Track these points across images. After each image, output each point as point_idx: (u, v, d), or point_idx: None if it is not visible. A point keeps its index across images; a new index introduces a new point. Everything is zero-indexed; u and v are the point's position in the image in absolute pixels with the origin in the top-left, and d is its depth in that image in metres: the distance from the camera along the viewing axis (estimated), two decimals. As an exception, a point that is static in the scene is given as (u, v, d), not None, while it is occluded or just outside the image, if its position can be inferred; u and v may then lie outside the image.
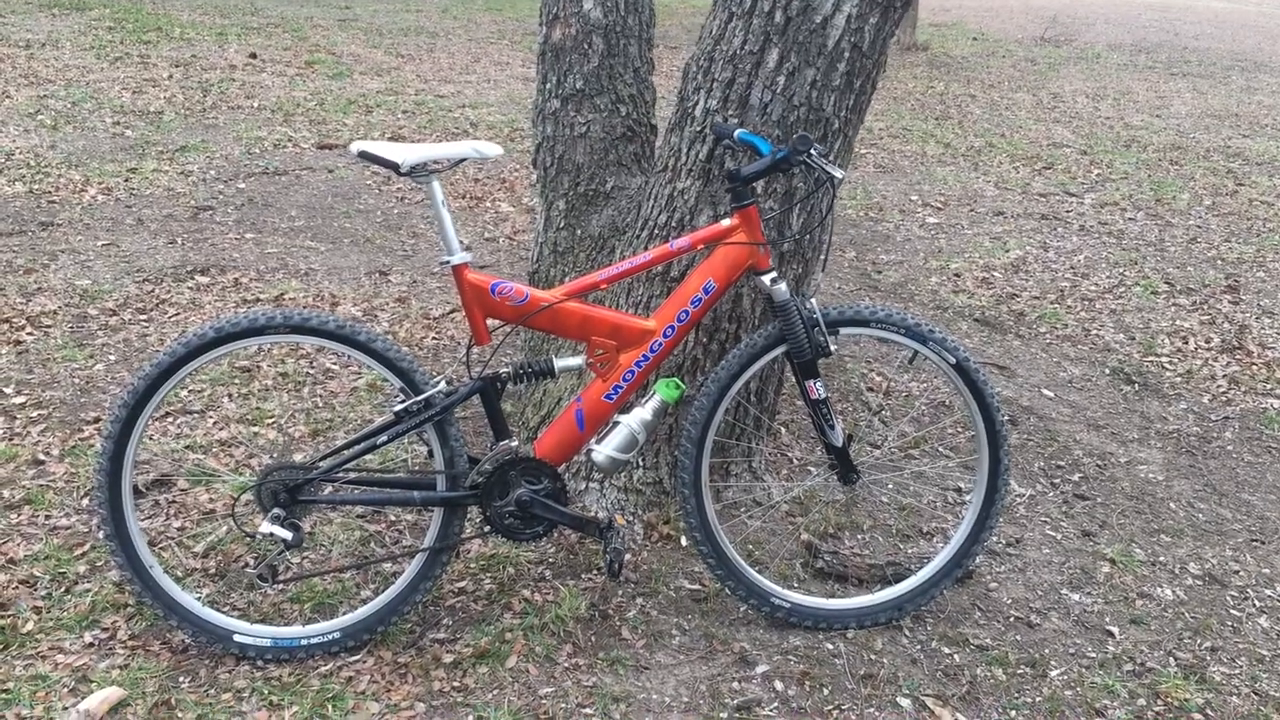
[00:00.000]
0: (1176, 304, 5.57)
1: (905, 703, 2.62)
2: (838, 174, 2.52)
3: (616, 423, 2.69)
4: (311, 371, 4.07)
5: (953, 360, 2.75)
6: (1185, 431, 4.14)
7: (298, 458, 3.40)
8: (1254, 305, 5.59)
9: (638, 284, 3.20)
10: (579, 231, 3.49)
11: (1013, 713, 2.61)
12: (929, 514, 3.39)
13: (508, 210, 6.52)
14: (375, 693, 2.56)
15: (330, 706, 2.50)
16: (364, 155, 2.52)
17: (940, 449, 3.79)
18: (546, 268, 3.57)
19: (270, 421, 3.66)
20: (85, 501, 3.20)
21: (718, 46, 3.01)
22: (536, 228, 3.65)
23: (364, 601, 2.78)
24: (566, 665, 2.69)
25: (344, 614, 2.72)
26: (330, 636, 2.65)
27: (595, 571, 3.03)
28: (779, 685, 2.66)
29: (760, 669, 2.71)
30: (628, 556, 3.09)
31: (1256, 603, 3.09)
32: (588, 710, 2.55)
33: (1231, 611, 3.04)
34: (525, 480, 2.66)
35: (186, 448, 3.48)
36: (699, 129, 3.05)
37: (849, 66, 2.96)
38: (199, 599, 2.70)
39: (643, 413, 2.69)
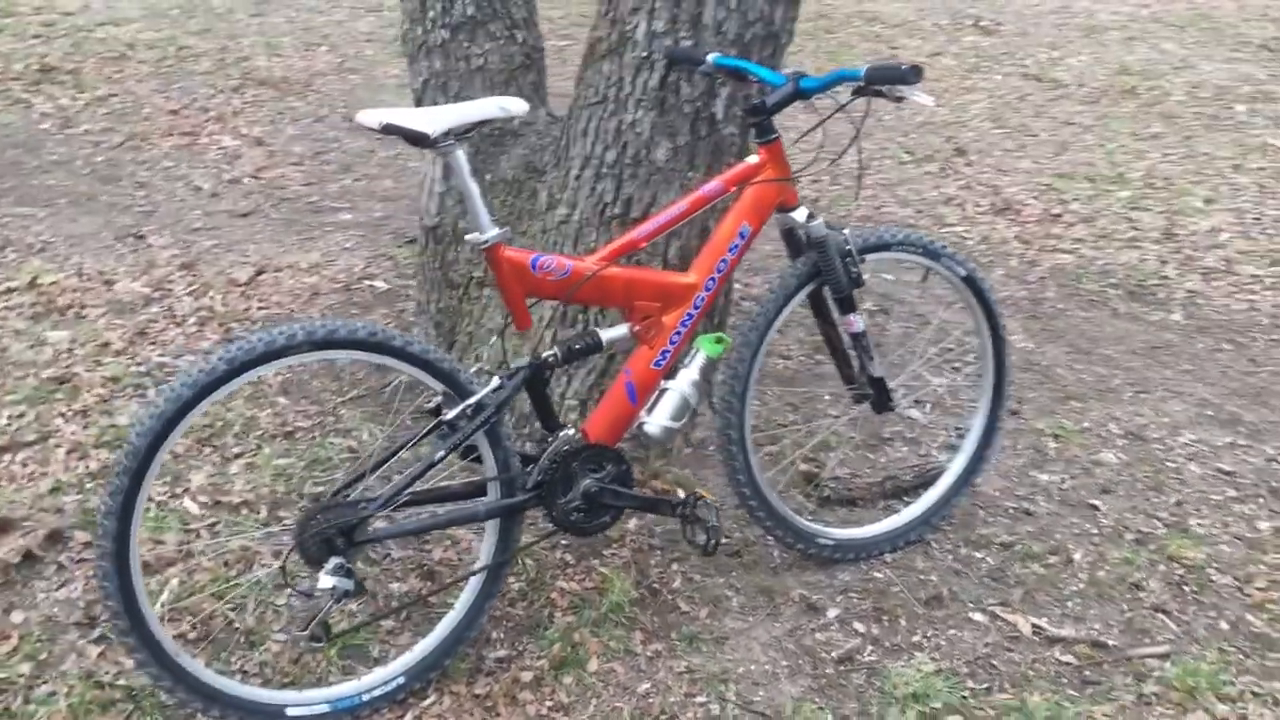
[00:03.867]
0: (927, 172, 5.89)
1: (979, 617, 2.66)
2: (927, 101, 2.39)
3: (665, 389, 2.48)
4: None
5: (963, 273, 2.74)
6: (1016, 297, 4.42)
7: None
8: (984, 165, 6.00)
9: (589, 231, 2.94)
10: (489, 176, 3.13)
11: (1070, 603, 2.72)
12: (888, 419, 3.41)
13: (233, 144, 5.81)
14: (471, 735, 2.28)
15: (434, 764, 2.20)
16: (388, 129, 2.11)
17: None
18: (452, 220, 3.20)
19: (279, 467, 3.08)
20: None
21: (656, -41, 2.76)
22: (428, 178, 3.25)
23: (415, 639, 2.44)
24: (648, 655, 2.50)
25: (398, 655, 2.38)
26: (395, 683, 2.32)
27: (613, 546, 2.82)
28: (859, 626, 2.62)
29: (832, 613, 2.65)
30: (632, 522, 2.91)
31: (1179, 452, 3.37)
32: (700, 699, 2.39)
33: (1167, 464, 3.30)
34: (588, 470, 2.40)
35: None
36: (644, 54, 2.80)
37: (795, -25, 2.82)
38: (240, 678, 2.27)
39: (690, 374, 2.49)
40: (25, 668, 2.37)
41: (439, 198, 3.21)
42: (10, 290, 4.00)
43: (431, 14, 3.08)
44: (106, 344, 3.64)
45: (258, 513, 2.86)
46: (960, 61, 7.94)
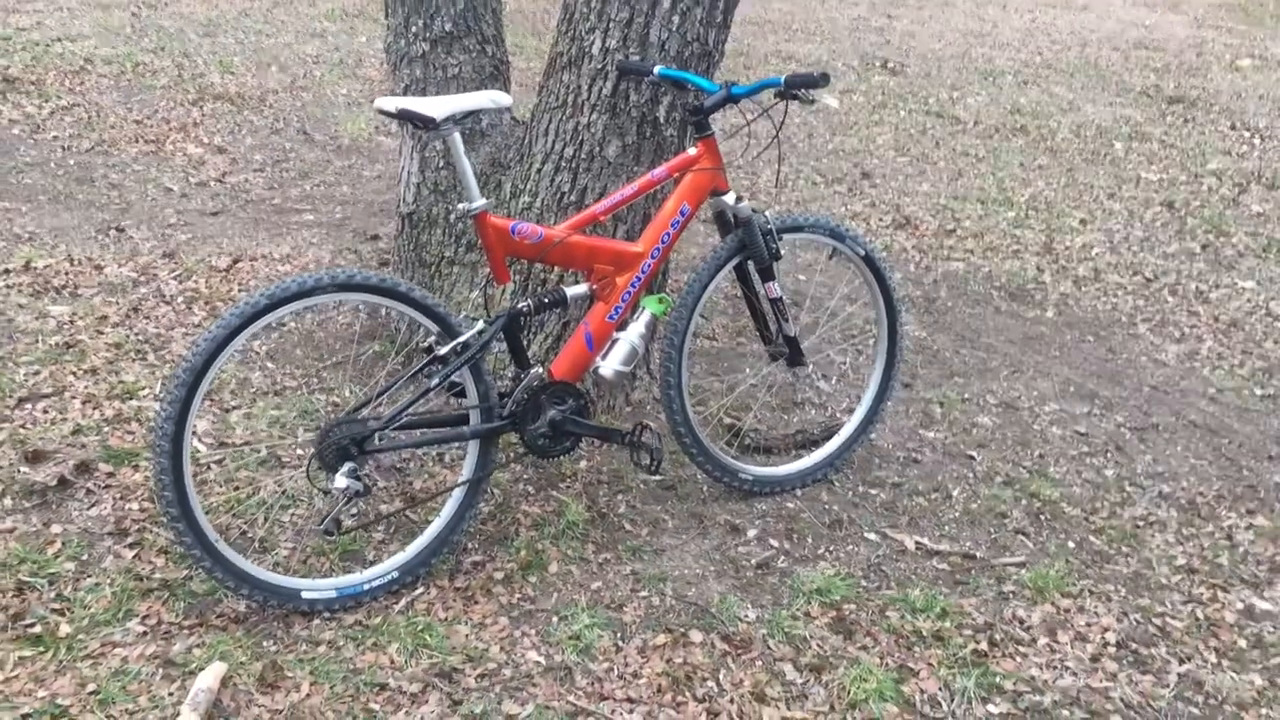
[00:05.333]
0: (837, 191, 6.50)
1: (872, 536, 3.21)
2: (833, 103, 2.95)
3: (616, 339, 3.00)
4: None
5: (862, 253, 3.30)
6: (913, 296, 5.02)
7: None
8: (888, 187, 6.64)
9: (548, 216, 3.45)
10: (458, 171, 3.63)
11: (947, 527, 3.28)
12: (800, 389, 3.96)
13: (197, 152, 6.22)
14: (456, 616, 2.75)
15: (427, 636, 2.66)
16: (403, 113, 2.61)
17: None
18: (426, 207, 3.68)
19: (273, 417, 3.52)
20: (7, 501, 3.00)
21: (610, -12, 3.29)
22: (405, 170, 3.73)
23: (409, 540, 2.90)
24: (599, 561, 3.00)
25: (394, 554, 2.85)
26: (390, 576, 2.78)
27: (566, 480, 3.32)
28: (774, 542, 3.15)
29: (751, 533, 3.18)
30: (584, 463, 3.41)
31: (1044, 418, 3.97)
32: (644, 593, 2.90)
33: (1034, 428, 3.90)
34: (553, 402, 2.91)
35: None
36: (599, 67, 3.33)
37: (726, 4, 3.37)
38: (262, 564, 2.72)
39: (637, 327, 3.01)
40: (70, 566, 2.79)
41: (415, 187, 3.70)
42: (8, 271, 4.38)
43: (414, 29, 3.58)
44: (104, 317, 4.04)
45: (258, 451, 3.31)
46: (869, 98, 8.61)
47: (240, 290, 4.38)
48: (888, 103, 8.52)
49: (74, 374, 3.64)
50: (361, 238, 5.06)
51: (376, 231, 5.08)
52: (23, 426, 3.33)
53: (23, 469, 3.11)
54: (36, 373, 3.63)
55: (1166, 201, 6.55)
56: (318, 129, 6.77)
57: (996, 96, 8.91)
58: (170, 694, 2.45)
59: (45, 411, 3.43)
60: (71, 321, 3.99)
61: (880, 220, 5.98)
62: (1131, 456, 3.76)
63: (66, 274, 4.41)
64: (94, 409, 3.46)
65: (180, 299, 4.26)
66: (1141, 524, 3.39)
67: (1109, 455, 3.75)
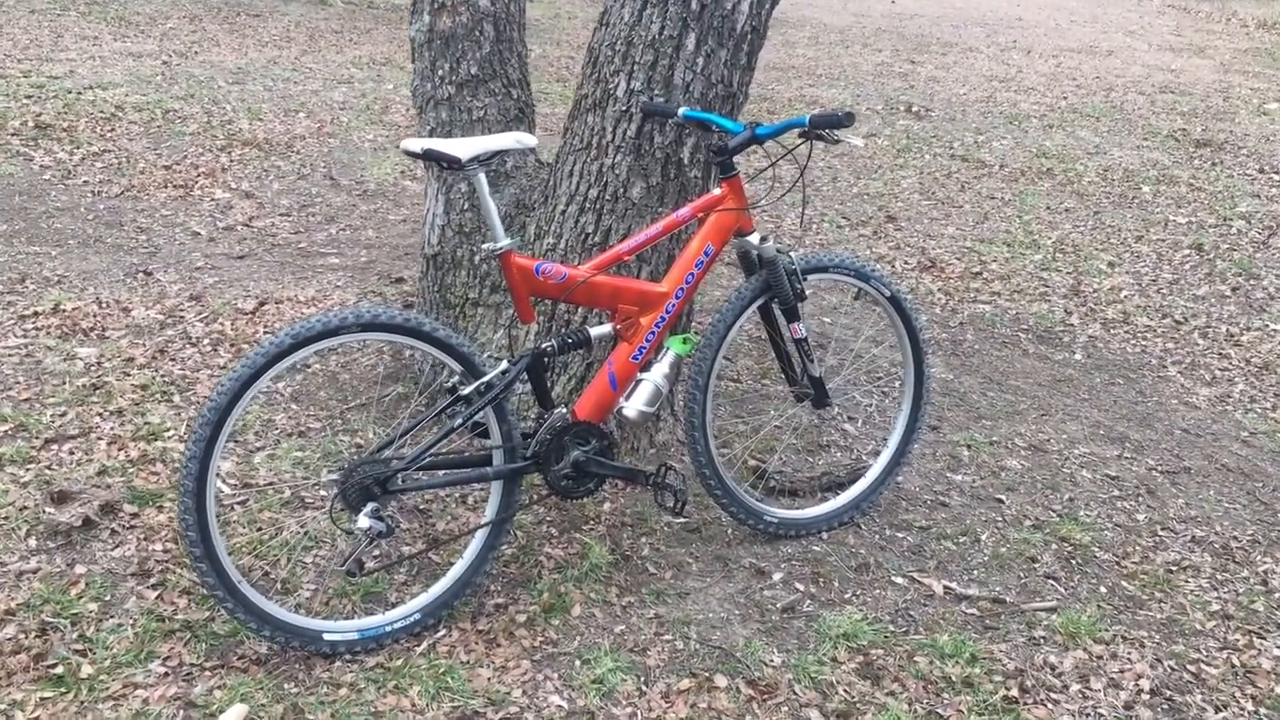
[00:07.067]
0: (861, 234, 6.50)
1: (900, 580, 3.16)
2: (858, 143, 2.95)
3: (640, 380, 2.98)
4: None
5: (888, 294, 3.28)
6: (939, 339, 4.99)
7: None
8: (913, 230, 6.63)
9: (572, 257, 3.45)
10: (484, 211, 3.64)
11: (976, 571, 3.23)
12: (825, 431, 3.94)
13: (225, 196, 6.28)
14: (478, 659, 2.72)
15: (449, 679, 2.63)
16: (429, 153, 2.62)
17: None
18: (451, 249, 3.69)
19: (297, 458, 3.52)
20: (32, 541, 3.00)
21: (634, 31, 3.30)
22: (430, 212, 3.75)
23: (427, 588, 2.88)
24: (623, 604, 2.97)
25: (416, 596, 2.82)
26: (412, 618, 2.76)
27: (590, 522, 3.30)
28: (800, 586, 3.11)
29: (777, 576, 3.14)
30: (607, 505, 3.38)
31: (1073, 461, 3.92)
32: (668, 637, 2.86)
33: (1063, 470, 3.85)
34: (577, 443, 2.89)
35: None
36: (624, 109, 3.35)
37: (750, 46, 3.38)
38: (285, 606, 2.70)
39: (661, 367, 3.00)
40: (93, 606, 2.78)
41: (440, 229, 3.71)
42: (37, 313, 4.42)
43: (440, 73, 3.61)
44: (131, 359, 4.06)
45: (281, 492, 3.30)
46: (893, 142, 8.63)
47: (265, 332, 4.40)
48: (912, 146, 8.53)
49: (100, 415, 3.66)
50: (386, 280, 5.08)
51: (401, 275, 5.10)
52: (49, 467, 3.34)
53: (48, 509, 3.12)
54: (63, 414, 3.65)
55: (1195, 244, 6.51)
56: (344, 174, 6.83)
57: (1022, 140, 8.90)
58: (192, 736, 2.43)
59: (71, 452, 3.45)
60: (99, 363, 4.02)
61: (906, 263, 5.97)
62: (1164, 500, 3.70)
63: (94, 316, 4.45)
64: (119, 450, 3.47)
65: (206, 341, 4.28)
66: (1175, 569, 3.33)
67: (1140, 499, 3.69)
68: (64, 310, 4.47)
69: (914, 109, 9.76)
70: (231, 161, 6.92)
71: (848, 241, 6.26)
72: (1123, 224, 6.89)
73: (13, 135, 7.00)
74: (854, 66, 11.71)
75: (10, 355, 4.05)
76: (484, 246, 2.77)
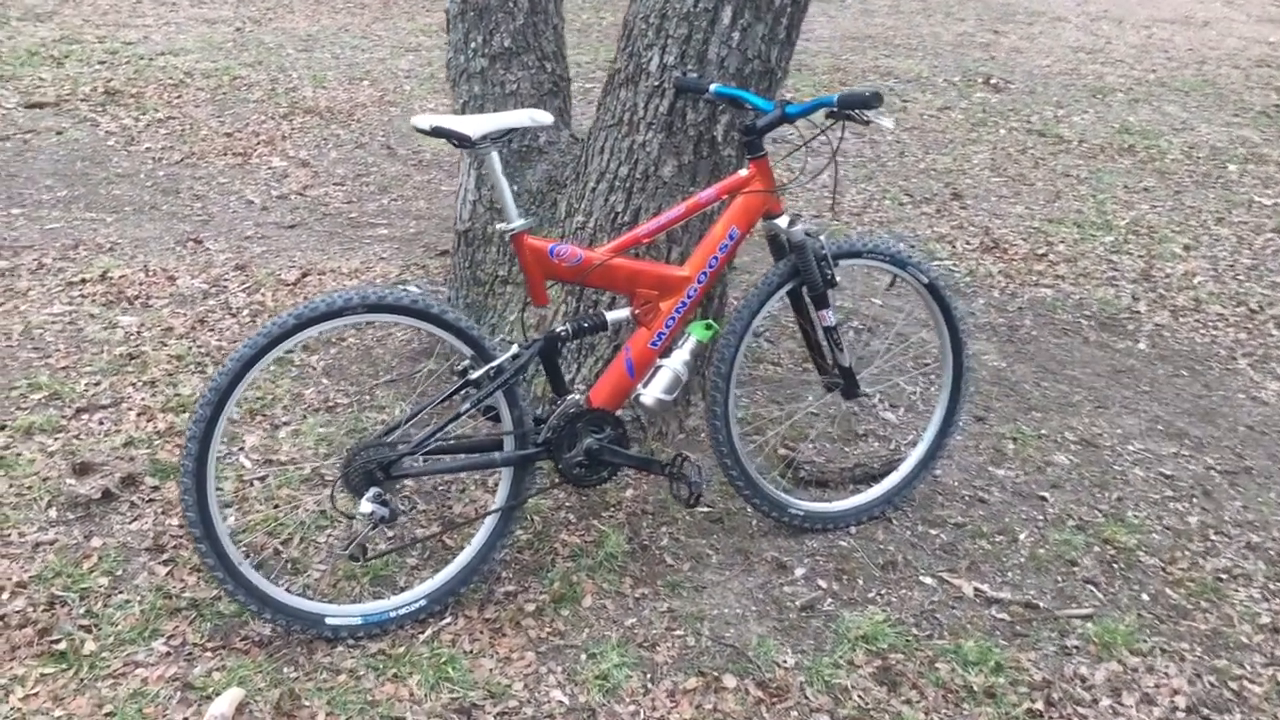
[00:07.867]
0: (924, 212, 6.30)
1: (928, 580, 3.04)
2: (888, 124, 2.81)
3: (659, 366, 2.88)
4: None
5: (925, 280, 3.14)
6: (995, 324, 4.81)
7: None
8: (979, 209, 6.41)
9: (602, 236, 3.36)
10: (516, 187, 3.57)
11: (1010, 573, 3.09)
12: (863, 420, 3.81)
13: (281, 165, 6.29)
14: (481, 649, 2.66)
15: (450, 669, 2.58)
16: (437, 130, 2.54)
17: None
18: (482, 225, 3.63)
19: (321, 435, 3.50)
20: (51, 512, 3.01)
21: (669, 5, 3.18)
22: (462, 187, 3.68)
23: (435, 573, 2.83)
24: (636, 596, 2.89)
25: (423, 581, 2.77)
26: (418, 604, 2.71)
27: (609, 509, 3.22)
28: (822, 582, 3.00)
29: (799, 571, 3.03)
30: (629, 492, 3.30)
31: (1126, 458, 3.74)
32: (679, 632, 2.78)
33: (1114, 468, 3.67)
34: (590, 430, 2.81)
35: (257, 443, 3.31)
36: (656, 84, 3.23)
37: (790, 20, 3.24)
38: (287, 588, 2.67)
39: (682, 354, 2.90)
40: (104, 580, 2.78)
41: (471, 205, 3.64)
42: (85, 281, 4.45)
43: (473, 45, 3.53)
44: (170, 329, 4.07)
45: (302, 469, 3.28)
46: (968, 116, 8.36)
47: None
48: (987, 120, 8.26)
49: (133, 385, 3.67)
50: (431, 253, 5.03)
51: (446, 248, 5.05)
52: (76, 437, 3.35)
53: (69, 481, 3.13)
54: (97, 383, 3.67)
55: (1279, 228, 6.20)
56: (401, 144, 6.80)
57: (1104, 115, 8.57)
58: (186, 719, 2.41)
59: (100, 423, 3.46)
60: (138, 333, 4.04)
61: (968, 243, 5.76)
62: (1219, 502, 3.52)
63: (141, 284, 4.47)
64: (148, 421, 3.48)
65: (246, 312, 4.27)
66: (1225, 577, 3.15)
67: (1194, 500, 3.51)
68: (111, 278, 4.50)
69: (992, 81, 9.45)
70: (292, 129, 6.93)
71: (908, 220, 6.07)
72: (1204, 205, 6.58)
73: (82, 101, 7.10)
74: (934, 36, 11.38)
75: (54, 323, 4.09)
76: (497, 226, 2.69)
